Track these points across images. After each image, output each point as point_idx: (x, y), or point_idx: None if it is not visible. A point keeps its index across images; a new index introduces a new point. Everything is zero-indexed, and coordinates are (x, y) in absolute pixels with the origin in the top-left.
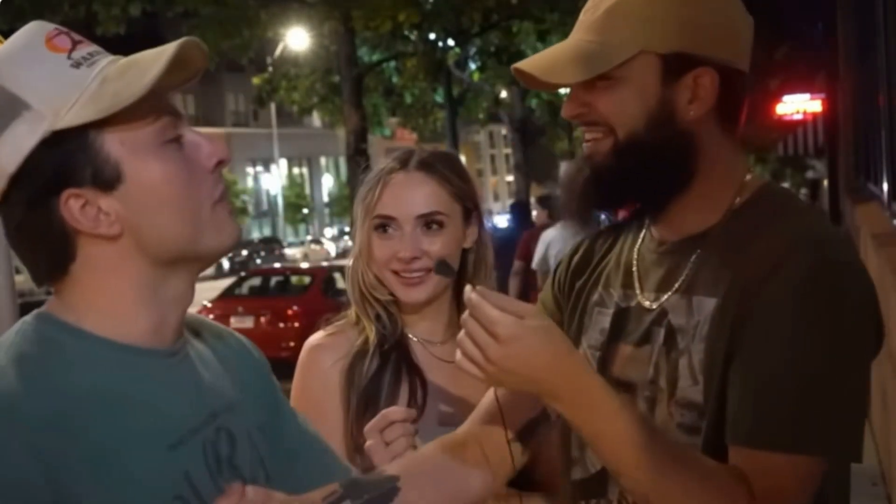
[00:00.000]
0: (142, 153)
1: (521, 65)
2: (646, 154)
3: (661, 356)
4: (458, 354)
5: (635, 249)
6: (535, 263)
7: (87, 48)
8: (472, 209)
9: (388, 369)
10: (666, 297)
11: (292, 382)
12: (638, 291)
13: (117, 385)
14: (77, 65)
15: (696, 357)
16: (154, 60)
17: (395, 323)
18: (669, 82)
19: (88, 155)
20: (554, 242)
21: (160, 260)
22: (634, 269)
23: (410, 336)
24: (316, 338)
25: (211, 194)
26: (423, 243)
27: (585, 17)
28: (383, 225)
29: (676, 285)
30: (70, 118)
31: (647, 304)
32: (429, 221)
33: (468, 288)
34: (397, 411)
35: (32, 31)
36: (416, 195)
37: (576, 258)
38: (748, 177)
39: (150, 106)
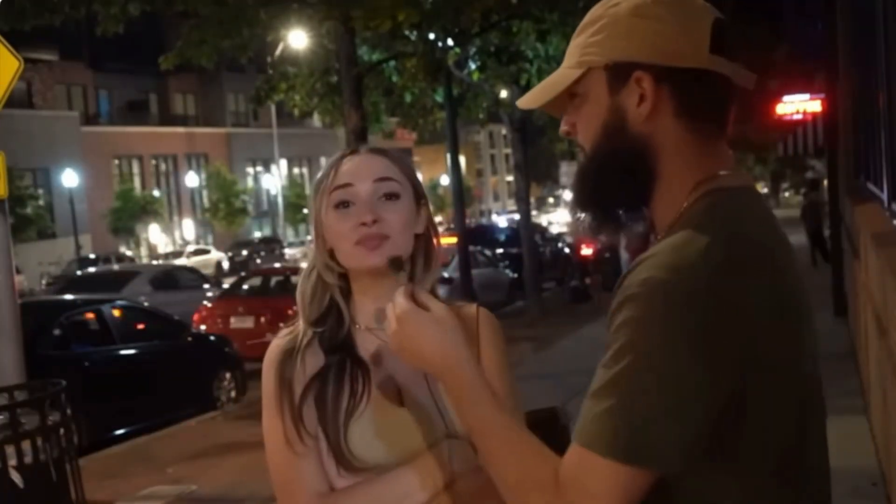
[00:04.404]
0: None
1: (520, 101)
2: (604, 160)
3: None
4: None
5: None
6: None
7: None
8: (421, 196)
9: (333, 363)
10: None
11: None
12: None
13: None
14: None
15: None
16: None
17: (343, 320)
18: (616, 90)
19: None
20: None
21: None
22: None
23: (362, 325)
24: (279, 336)
25: None
26: (381, 210)
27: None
28: (343, 201)
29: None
30: None
31: None
32: (386, 192)
33: (403, 283)
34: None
35: None
36: (371, 165)
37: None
38: (722, 173)
39: None
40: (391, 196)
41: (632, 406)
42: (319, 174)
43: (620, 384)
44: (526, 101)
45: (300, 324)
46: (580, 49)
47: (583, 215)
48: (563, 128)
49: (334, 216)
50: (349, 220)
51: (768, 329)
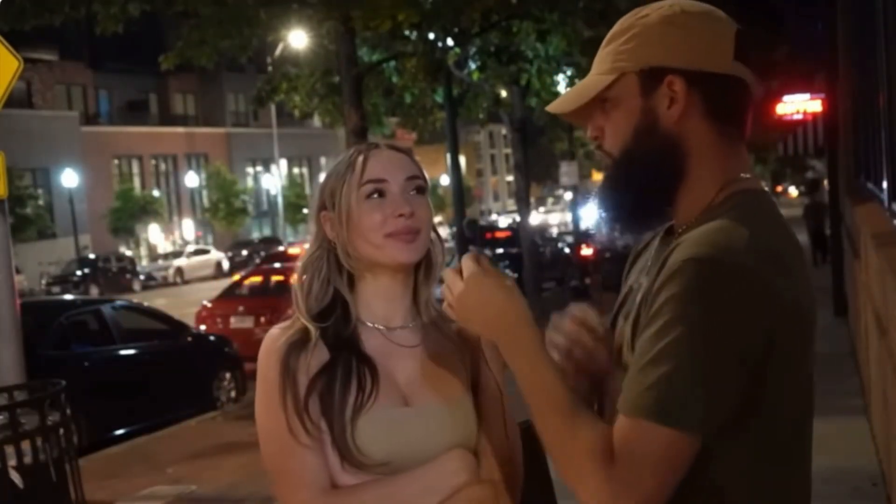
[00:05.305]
0: None
1: (550, 107)
2: (636, 160)
3: (627, 328)
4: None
5: (656, 240)
6: None
7: None
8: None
9: (340, 359)
10: (641, 279)
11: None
12: (637, 275)
13: None
14: None
15: (629, 329)
16: None
17: (349, 317)
18: (649, 94)
19: None
20: None
21: None
22: (645, 255)
23: (368, 323)
24: (277, 328)
25: None
26: (414, 204)
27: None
28: (377, 190)
29: (647, 270)
30: None
31: (635, 285)
32: (416, 186)
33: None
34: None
35: None
36: (401, 162)
37: (637, 249)
38: (745, 175)
39: None
40: (420, 190)
41: (680, 376)
42: (339, 169)
43: (667, 357)
44: (557, 106)
45: (301, 319)
46: (612, 56)
47: (609, 216)
48: (591, 133)
49: (367, 206)
50: (382, 211)
51: (788, 324)
